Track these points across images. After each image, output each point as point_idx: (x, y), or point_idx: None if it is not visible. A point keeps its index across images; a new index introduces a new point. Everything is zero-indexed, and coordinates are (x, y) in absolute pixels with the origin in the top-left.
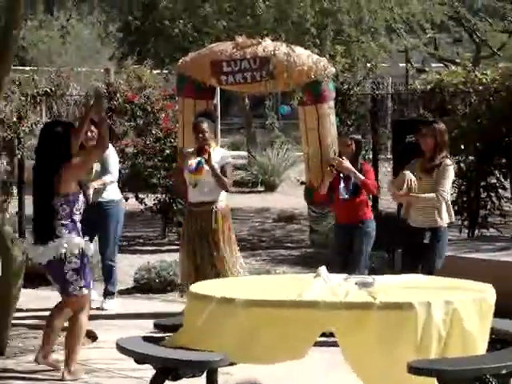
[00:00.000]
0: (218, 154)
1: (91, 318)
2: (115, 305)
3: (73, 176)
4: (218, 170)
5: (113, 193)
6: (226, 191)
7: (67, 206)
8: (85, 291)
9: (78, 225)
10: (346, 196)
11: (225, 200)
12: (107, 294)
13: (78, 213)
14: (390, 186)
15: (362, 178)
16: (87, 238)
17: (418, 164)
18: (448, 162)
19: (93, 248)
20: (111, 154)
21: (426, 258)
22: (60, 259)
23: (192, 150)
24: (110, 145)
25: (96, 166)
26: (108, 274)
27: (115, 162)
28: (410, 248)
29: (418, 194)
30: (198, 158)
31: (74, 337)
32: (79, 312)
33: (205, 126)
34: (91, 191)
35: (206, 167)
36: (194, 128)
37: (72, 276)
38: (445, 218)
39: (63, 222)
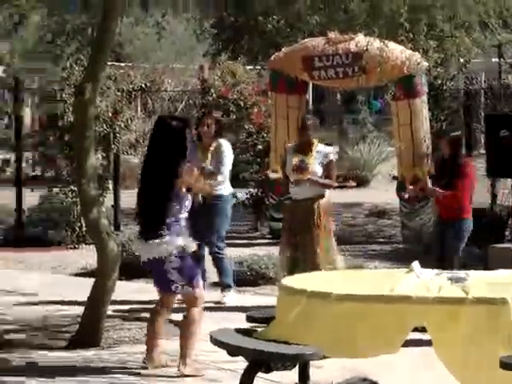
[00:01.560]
0: (322, 151)
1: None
2: (234, 298)
3: (183, 181)
4: (320, 170)
5: (222, 188)
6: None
7: (177, 203)
8: (189, 289)
9: (183, 223)
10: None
11: (327, 195)
12: (224, 287)
13: (183, 211)
14: None
15: (446, 193)
16: (190, 237)
17: None
18: None
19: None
20: (226, 153)
21: None
22: (161, 258)
23: (294, 145)
24: (226, 141)
25: (209, 161)
26: (218, 267)
27: (228, 161)
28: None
29: None
30: (301, 158)
31: (187, 335)
32: (190, 310)
33: (310, 122)
34: (200, 197)
35: (311, 167)
36: (301, 125)
37: (173, 275)
38: None
39: (169, 220)
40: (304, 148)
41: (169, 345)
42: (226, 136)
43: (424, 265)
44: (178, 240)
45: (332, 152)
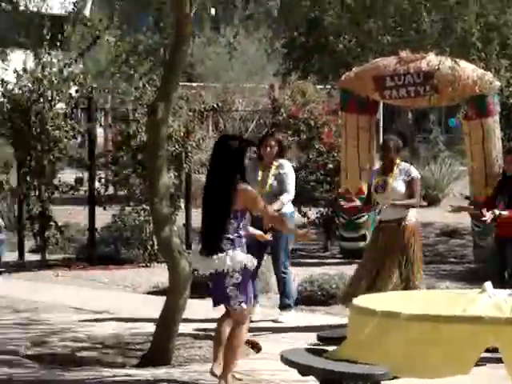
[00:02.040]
0: (403, 169)
1: (259, 329)
2: (292, 317)
3: (242, 201)
4: (402, 187)
5: (286, 206)
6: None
7: (235, 220)
8: (244, 306)
9: (244, 240)
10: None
11: (415, 215)
12: (282, 306)
13: (244, 228)
14: None
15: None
16: (249, 254)
17: None
18: None
19: (257, 262)
20: (289, 172)
21: None
22: (222, 273)
23: (379, 168)
24: (287, 161)
25: (272, 180)
26: (281, 286)
27: (293, 180)
28: None
29: None
30: (384, 178)
31: (230, 349)
32: (238, 325)
33: (391, 144)
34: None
35: (391, 184)
36: (382, 146)
37: (232, 290)
38: None
39: (230, 236)
40: (386, 169)
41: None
42: (287, 157)
43: (497, 285)
44: (238, 255)
45: (414, 170)
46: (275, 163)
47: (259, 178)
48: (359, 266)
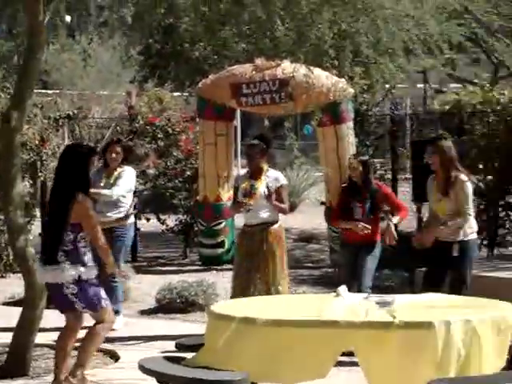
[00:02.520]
0: (271, 176)
1: (119, 339)
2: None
3: (77, 215)
4: (273, 194)
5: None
6: (285, 214)
7: (71, 232)
8: (90, 311)
9: (82, 250)
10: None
11: (280, 221)
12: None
13: (82, 240)
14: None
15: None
16: (92, 262)
17: (434, 186)
18: (462, 177)
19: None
20: (127, 174)
21: (457, 272)
22: (57, 284)
23: (245, 172)
24: (130, 168)
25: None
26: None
27: (127, 180)
28: (437, 263)
29: (442, 218)
30: (252, 183)
31: (86, 345)
32: (97, 323)
33: (255, 148)
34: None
35: (259, 191)
36: (247, 150)
37: (72, 298)
38: (473, 228)
39: (65, 248)
40: (254, 174)
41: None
42: (132, 163)
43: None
44: (70, 270)
45: (282, 178)
46: (119, 169)
47: (102, 185)
48: (233, 275)
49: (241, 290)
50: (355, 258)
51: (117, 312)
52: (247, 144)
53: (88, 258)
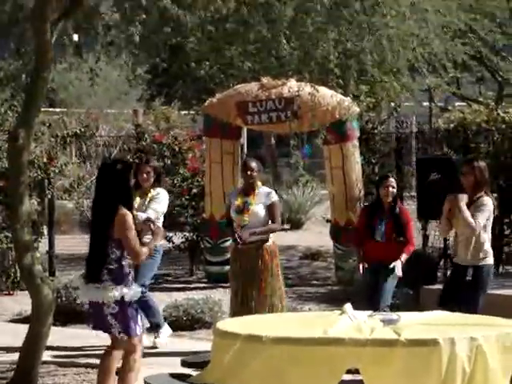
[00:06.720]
0: (264, 193)
1: None
2: (166, 335)
3: (120, 228)
4: (262, 211)
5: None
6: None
7: (116, 249)
8: (124, 336)
9: (126, 270)
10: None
11: (272, 237)
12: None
13: (127, 258)
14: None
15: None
16: (133, 283)
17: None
18: (485, 198)
19: (139, 291)
20: (162, 197)
21: (470, 295)
22: (100, 303)
23: (239, 188)
24: (164, 191)
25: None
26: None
27: (161, 202)
28: (451, 284)
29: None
30: (245, 199)
31: (124, 379)
32: (128, 355)
33: (253, 164)
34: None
35: (252, 208)
36: (243, 166)
37: (111, 320)
38: (489, 256)
39: (110, 266)
40: (247, 190)
41: None
42: (164, 185)
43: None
44: (113, 290)
45: (274, 194)
46: (153, 191)
47: (136, 206)
48: (231, 294)
49: (240, 307)
50: (376, 278)
51: (158, 326)
52: (243, 161)
53: (132, 277)
